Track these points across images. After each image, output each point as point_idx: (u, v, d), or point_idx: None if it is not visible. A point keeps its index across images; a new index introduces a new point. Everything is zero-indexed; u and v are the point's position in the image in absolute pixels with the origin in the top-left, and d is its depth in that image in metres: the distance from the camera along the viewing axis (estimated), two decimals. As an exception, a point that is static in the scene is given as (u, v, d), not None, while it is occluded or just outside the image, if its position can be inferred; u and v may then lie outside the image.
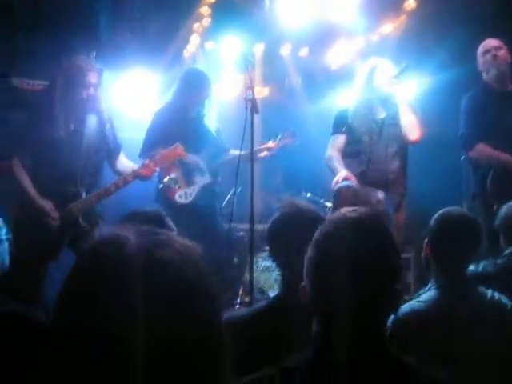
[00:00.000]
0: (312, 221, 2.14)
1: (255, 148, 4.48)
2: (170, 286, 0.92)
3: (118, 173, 4.32)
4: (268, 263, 5.49)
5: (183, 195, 4.68)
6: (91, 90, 4.10)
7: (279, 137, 4.91)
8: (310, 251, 1.63)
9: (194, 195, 4.71)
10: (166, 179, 4.59)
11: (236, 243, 5.16)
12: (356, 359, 1.50)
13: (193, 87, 4.81)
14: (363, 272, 1.55)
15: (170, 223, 2.66)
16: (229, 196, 5.26)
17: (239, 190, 4.68)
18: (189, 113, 4.82)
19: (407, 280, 5.84)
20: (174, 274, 0.93)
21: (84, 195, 4.11)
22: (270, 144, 4.90)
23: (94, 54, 5.44)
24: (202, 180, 4.75)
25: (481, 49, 4.67)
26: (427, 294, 2.59)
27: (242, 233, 5.43)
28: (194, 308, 0.93)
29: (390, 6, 6.41)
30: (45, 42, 5.48)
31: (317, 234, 1.65)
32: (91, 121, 4.18)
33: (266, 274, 5.44)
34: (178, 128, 4.67)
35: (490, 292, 2.57)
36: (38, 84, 5.59)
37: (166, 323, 0.89)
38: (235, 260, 5.25)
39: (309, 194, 6.06)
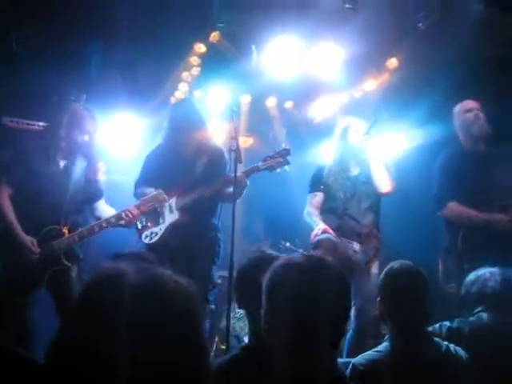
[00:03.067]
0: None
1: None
2: (180, 318, 0.99)
3: (96, 218, 4.36)
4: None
5: (149, 235, 4.51)
6: (86, 137, 4.27)
7: (270, 154, 4.53)
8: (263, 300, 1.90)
9: (160, 234, 4.51)
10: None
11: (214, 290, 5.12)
12: None
13: (182, 124, 4.62)
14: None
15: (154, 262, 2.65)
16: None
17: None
18: (181, 150, 4.62)
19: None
20: (184, 307, 1.01)
21: (66, 234, 4.13)
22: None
23: (85, 96, 5.54)
24: (169, 218, 4.53)
25: (461, 108, 4.71)
26: (383, 345, 2.69)
27: (219, 280, 5.39)
28: (197, 337, 1.01)
29: (373, 64, 6.63)
30: (36, 82, 5.57)
31: (265, 284, 1.90)
32: (80, 164, 4.28)
33: (243, 322, 5.45)
34: (169, 167, 4.54)
35: (445, 344, 2.66)
36: (27, 123, 5.68)
37: (173, 352, 0.97)
38: (212, 307, 5.21)
39: (288, 244, 6.15)
